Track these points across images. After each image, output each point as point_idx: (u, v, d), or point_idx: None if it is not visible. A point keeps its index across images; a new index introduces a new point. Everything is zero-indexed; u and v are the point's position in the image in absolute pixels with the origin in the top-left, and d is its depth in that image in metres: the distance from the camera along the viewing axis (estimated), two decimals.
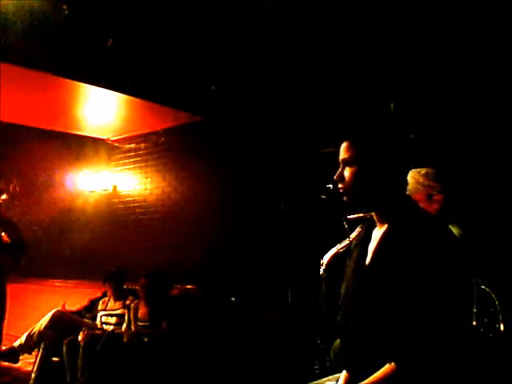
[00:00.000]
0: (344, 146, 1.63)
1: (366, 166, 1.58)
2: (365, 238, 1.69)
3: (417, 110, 3.68)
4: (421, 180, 2.39)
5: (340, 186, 1.63)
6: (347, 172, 1.61)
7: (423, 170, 2.42)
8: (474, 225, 2.43)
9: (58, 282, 6.28)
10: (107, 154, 6.33)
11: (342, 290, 1.69)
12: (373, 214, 1.65)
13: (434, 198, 2.37)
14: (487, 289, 2.13)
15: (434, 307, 1.42)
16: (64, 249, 6.42)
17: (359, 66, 3.94)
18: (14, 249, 4.47)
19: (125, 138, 6.10)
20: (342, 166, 1.63)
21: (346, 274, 1.72)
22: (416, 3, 3.61)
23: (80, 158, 6.47)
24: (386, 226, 1.61)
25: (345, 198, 1.63)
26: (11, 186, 4.64)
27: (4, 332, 4.55)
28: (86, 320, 4.85)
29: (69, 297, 5.26)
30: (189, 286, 5.01)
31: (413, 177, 2.40)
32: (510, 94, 3.30)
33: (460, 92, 3.52)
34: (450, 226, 2.04)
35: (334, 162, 1.69)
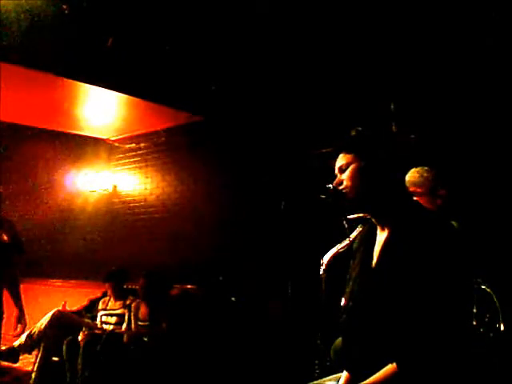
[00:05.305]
0: (339, 157, 1.67)
1: (362, 163, 1.60)
2: (368, 240, 1.68)
3: (417, 110, 3.68)
4: (425, 174, 2.40)
5: (340, 188, 1.64)
6: (345, 174, 1.62)
7: (426, 168, 2.44)
8: (475, 224, 2.43)
9: (58, 282, 6.27)
10: (107, 154, 6.33)
11: (348, 291, 1.69)
12: (372, 216, 1.66)
13: (438, 192, 2.37)
14: (487, 289, 2.13)
15: (437, 309, 1.42)
16: (64, 249, 6.42)
17: (359, 66, 3.94)
18: (12, 249, 4.45)
19: (125, 138, 6.10)
20: (339, 173, 1.66)
21: (350, 276, 1.71)
22: (415, 3, 3.61)
23: (80, 157, 6.47)
24: (389, 227, 1.61)
25: (346, 200, 1.63)
26: None
27: (4, 332, 4.55)
28: (86, 320, 4.85)
29: (69, 297, 5.25)
30: (189, 286, 5.01)
31: (417, 171, 2.42)
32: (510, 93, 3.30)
33: (460, 92, 3.51)
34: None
35: (333, 162, 1.70)
